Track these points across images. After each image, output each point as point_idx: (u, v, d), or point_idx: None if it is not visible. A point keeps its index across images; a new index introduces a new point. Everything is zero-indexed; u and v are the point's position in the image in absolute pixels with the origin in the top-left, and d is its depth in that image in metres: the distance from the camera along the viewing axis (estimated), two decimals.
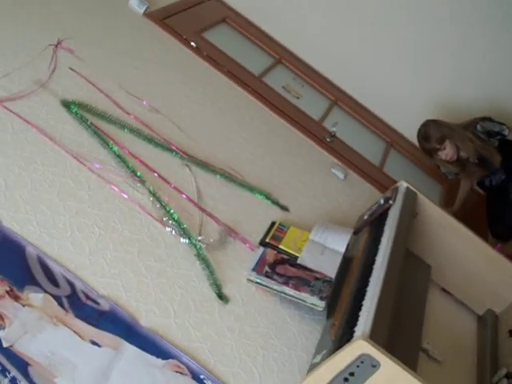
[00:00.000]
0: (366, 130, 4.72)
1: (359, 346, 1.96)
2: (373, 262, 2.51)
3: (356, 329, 2.08)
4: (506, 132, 3.68)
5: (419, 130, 3.70)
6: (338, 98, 4.73)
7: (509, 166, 3.76)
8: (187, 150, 3.08)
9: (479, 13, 4.26)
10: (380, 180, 4.00)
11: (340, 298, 2.53)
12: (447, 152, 3.63)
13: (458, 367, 2.91)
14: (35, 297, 2.02)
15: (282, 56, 4.73)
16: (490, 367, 2.86)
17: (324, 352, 2.21)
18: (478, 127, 3.70)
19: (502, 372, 2.71)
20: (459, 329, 3.21)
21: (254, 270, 2.55)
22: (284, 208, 3.15)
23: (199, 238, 2.59)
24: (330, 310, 2.51)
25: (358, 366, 1.99)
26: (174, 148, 3.01)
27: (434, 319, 3.06)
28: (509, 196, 3.77)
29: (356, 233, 3.04)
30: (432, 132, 3.64)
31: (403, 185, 3.05)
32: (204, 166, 3.06)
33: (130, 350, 2.07)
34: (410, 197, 3.00)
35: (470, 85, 4.57)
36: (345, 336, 2.13)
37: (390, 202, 2.90)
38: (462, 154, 3.67)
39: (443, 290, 3.34)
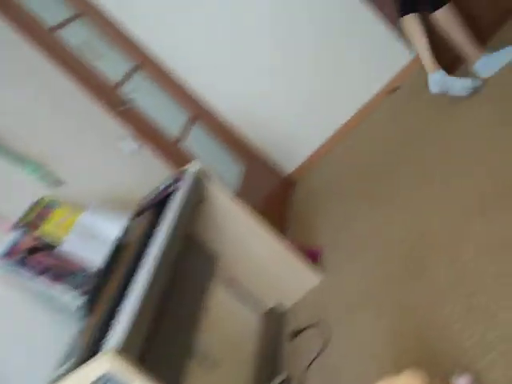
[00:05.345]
0: (170, 100, 4.41)
1: (106, 363, 1.66)
2: (146, 252, 2.23)
3: (107, 339, 1.78)
4: None
5: None
6: (144, 62, 4.34)
7: None
8: None
9: None
10: (176, 156, 3.71)
11: (104, 294, 2.21)
12: None
13: (236, 370, 2.75)
14: None
15: (85, 10, 4.23)
16: (270, 370, 2.76)
17: (72, 361, 1.88)
18: None
19: (281, 377, 2.59)
20: (241, 326, 3.09)
21: (1, 257, 2.15)
22: (57, 183, 2.75)
23: None
24: (90, 308, 2.18)
25: None
26: None
27: (216, 315, 2.89)
28: None
29: (137, 215, 2.76)
30: None
31: (194, 166, 2.83)
32: None
33: None
34: (200, 181, 2.82)
35: None
36: (95, 346, 1.82)
37: (177, 184, 2.65)
38: None
39: (230, 281, 3.16)
